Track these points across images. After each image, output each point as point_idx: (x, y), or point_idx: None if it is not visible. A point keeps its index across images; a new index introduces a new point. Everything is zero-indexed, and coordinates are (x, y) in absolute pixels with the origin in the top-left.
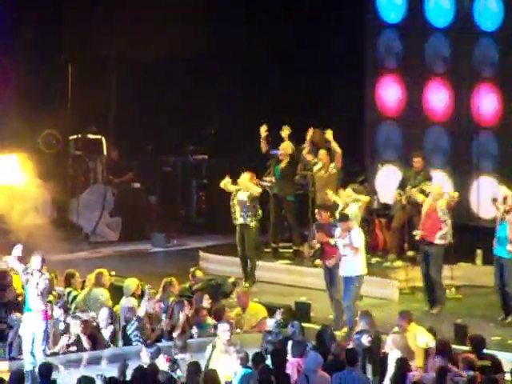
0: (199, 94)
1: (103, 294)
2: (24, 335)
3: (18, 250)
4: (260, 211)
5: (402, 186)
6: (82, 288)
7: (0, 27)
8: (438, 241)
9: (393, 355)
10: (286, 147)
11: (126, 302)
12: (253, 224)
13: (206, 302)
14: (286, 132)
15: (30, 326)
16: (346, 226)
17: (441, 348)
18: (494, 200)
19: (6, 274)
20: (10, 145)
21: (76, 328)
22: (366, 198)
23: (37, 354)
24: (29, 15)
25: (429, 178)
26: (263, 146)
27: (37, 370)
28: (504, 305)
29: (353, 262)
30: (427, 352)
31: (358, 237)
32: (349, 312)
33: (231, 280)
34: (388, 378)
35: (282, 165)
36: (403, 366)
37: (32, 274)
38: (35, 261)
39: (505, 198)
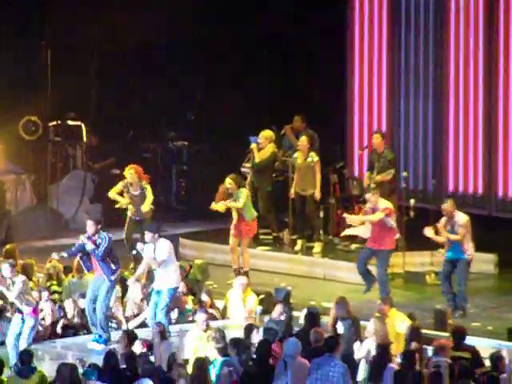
0: (180, 79)
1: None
2: (10, 330)
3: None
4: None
5: (370, 169)
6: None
7: None
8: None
9: (367, 342)
10: (267, 134)
11: None
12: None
13: (182, 288)
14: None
15: (18, 324)
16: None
17: (412, 334)
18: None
19: None
20: None
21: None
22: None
23: (21, 348)
24: (7, 1)
25: (391, 159)
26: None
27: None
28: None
29: (162, 275)
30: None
31: (163, 250)
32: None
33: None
34: (362, 363)
35: (259, 158)
36: (384, 353)
37: (3, 283)
38: (4, 269)
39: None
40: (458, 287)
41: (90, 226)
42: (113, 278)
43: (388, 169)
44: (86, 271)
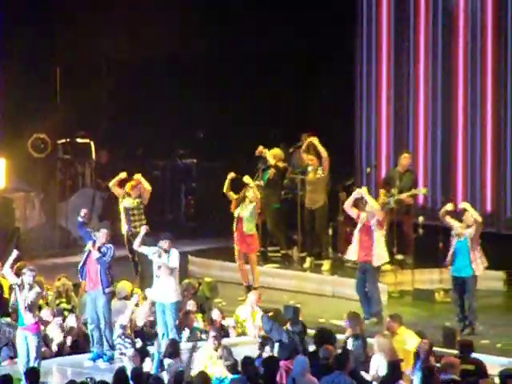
0: (188, 97)
1: None
2: (19, 349)
3: (13, 256)
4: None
5: (386, 186)
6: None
7: None
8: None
9: (375, 358)
10: (275, 153)
11: (120, 304)
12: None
13: (192, 306)
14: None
15: (24, 341)
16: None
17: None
18: (446, 212)
19: None
20: None
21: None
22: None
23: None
24: (17, 20)
25: (414, 179)
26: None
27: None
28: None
29: (164, 286)
30: (416, 355)
31: (176, 258)
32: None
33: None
34: (370, 379)
35: (269, 175)
36: (396, 370)
37: (22, 288)
38: (27, 275)
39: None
40: (468, 303)
41: (102, 236)
42: (107, 290)
43: (410, 189)
44: (80, 279)
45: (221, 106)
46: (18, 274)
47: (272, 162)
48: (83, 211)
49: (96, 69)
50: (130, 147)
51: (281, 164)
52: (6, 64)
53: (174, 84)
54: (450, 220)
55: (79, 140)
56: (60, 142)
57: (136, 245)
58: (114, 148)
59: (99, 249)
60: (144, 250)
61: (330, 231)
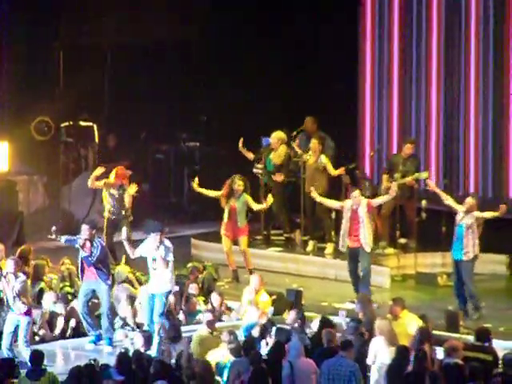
0: (192, 80)
1: None
2: (4, 331)
3: None
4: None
5: (389, 171)
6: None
7: None
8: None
9: (375, 341)
10: (279, 136)
11: (120, 288)
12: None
13: (195, 290)
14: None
15: (12, 325)
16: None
17: (422, 336)
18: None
19: None
20: (1, 132)
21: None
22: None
23: (20, 347)
24: (20, 3)
25: (418, 164)
26: (248, 156)
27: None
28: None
29: (160, 277)
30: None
31: (171, 251)
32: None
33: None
34: (370, 363)
35: (275, 159)
36: (405, 356)
37: (7, 278)
38: (8, 264)
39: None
40: (465, 287)
41: (85, 231)
42: (109, 282)
43: (413, 173)
44: (80, 279)
45: (223, 90)
46: (21, 256)
47: (275, 145)
48: (52, 230)
49: (99, 52)
50: (133, 131)
51: (284, 147)
52: (10, 47)
53: (178, 67)
54: (451, 203)
55: (82, 123)
56: (63, 125)
57: (130, 254)
58: (117, 131)
59: (90, 248)
60: (139, 253)
61: (333, 215)
